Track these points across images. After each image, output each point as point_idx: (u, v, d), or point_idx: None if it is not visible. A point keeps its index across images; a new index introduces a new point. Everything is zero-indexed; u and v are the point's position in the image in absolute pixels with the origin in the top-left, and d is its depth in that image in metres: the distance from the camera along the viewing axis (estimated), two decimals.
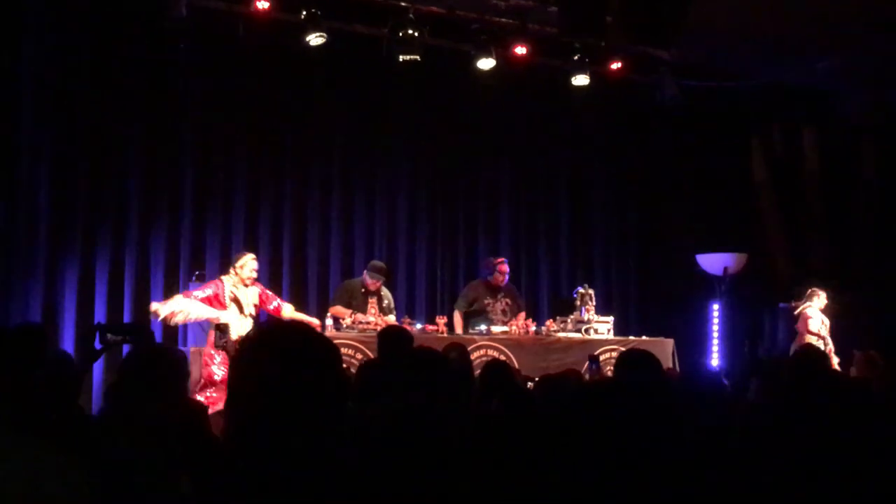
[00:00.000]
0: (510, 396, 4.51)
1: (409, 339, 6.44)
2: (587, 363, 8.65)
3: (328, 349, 2.03)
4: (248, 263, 9.22)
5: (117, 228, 10.28)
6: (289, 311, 9.46)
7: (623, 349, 10.34)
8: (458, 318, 10.76)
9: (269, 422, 1.91)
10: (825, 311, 11.43)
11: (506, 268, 10.86)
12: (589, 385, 4.73)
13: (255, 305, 9.24)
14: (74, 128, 10.12)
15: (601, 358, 10.13)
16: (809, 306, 11.35)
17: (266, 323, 2.24)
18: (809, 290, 11.53)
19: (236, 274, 9.17)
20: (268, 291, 9.54)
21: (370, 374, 4.82)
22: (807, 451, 3.60)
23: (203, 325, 9.30)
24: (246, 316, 9.09)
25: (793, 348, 10.76)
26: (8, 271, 9.77)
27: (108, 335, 4.04)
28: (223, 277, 9.25)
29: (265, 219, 11.13)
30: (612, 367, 9.05)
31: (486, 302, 10.81)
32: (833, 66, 11.50)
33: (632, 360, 4.31)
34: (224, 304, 9.01)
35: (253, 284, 9.26)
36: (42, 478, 2.56)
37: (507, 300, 10.91)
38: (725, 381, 5.02)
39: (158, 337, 9.88)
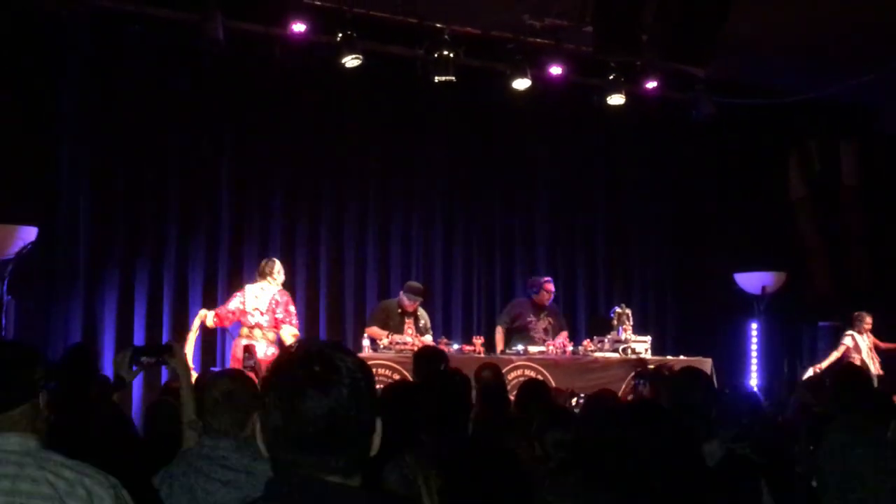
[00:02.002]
0: (549, 414, 4.49)
1: (444, 358, 6.45)
2: (635, 381, 8.62)
3: (364, 369, 2.03)
4: (282, 269, 9.61)
5: (156, 250, 10.39)
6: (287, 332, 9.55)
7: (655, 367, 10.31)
8: (499, 333, 10.77)
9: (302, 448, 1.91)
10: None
11: (552, 287, 10.89)
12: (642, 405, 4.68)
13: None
14: (113, 149, 10.26)
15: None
16: (850, 334, 11.38)
17: (297, 343, 2.26)
18: (855, 314, 11.50)
19: (273, 279, 9.48)
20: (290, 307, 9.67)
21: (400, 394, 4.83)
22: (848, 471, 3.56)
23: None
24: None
25: (825, 364, 10.81)
26: (48, 293, 9.89)
27: (143, 358, 4.08)
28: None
29: (302, 239, 11.19)
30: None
31: (528, 320, 10.80)
32: (871, 80, 11.38)
33: (688, 380, 4.26)
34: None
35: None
36: (92, 495, 2.60)
37: (550, 319, 10.91)
38: (763, 400, 4.98)
39: (198, 356, 9.99)
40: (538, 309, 10.89)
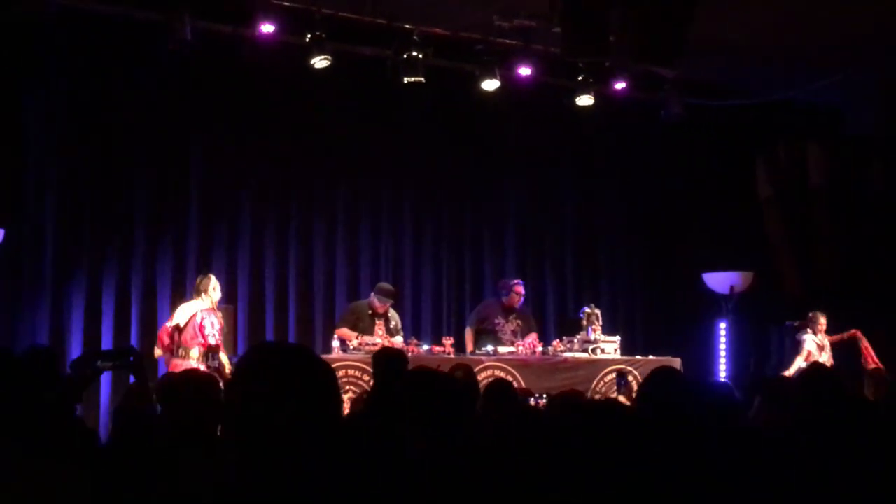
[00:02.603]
0: (513, 415, 4.49)
1: (405, 360, 6.44)
2: (616, 380, 8.73)
3: (324, 369, 2.03)
4: (217, 285, 9.24)
5: (123, 250, 10.33)
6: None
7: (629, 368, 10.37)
8: (468, 335, 10.79)
9: (265, 444, 1.91)
10: (826, 331, 11.56)
11: (522, 289, 10.95)
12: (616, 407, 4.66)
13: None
14: (81, 151, 10.17)
15: (606, 378, 10.17)
16: (807, 333, 11.49)
17: (262, 344, 2.25)
18: (810, 315, 11.62)
19: (207, 296, 9.15)
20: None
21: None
22: (814, 472, 3.58)
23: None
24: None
25: (792, 371, 10.90)
26: (15, 294, 9.81)
27: (100, 362, 4.04)
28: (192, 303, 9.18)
29: (271, 241, 11.16)
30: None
31: (497, 321, 10.83)
32: (836, 82, 11.49)
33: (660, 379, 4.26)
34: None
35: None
36: (50, 497, 2.57)
37: (519, 322, 10.93)
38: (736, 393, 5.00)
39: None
40: (507, 311, 10.92)
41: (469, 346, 10.61)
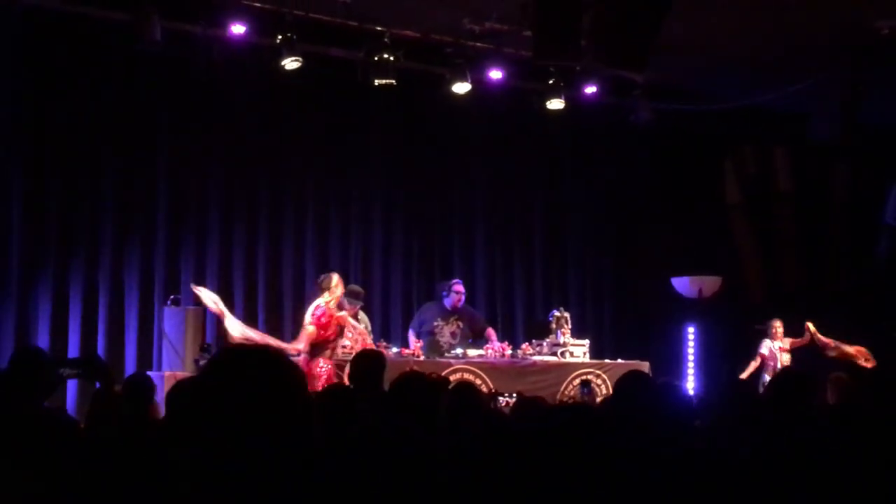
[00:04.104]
0: (480, 418, 4.49)
1: (383, 363, 6.44)
2: (580, 388, 8.71)
3: (292, 373, 2.02)
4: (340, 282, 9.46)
5: (91, 252, 10.24)
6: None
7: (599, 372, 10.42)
8: (411, 337, 10.66)
9: (232, 444, 1.90)
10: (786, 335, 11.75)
11: (461, 288, 10.89)
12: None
13: None
14: (46, 151, 10.09)
15: (575, 382, 10.17)
16: (764, 343, 11.70)
17: (230, 346, 2.25)
18: (766, 323, 11.81)
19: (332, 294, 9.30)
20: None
21: (339, 398, 4.82)
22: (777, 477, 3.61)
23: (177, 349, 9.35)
24: None
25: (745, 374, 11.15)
26: None
27: (64, 370, 4.02)
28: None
29: (240, 243, 11.11)
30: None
31: (434, 324, 10.75)
32: (802, 88, 11.60)
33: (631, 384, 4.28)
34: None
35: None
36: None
37: (460, 323, 10.84)
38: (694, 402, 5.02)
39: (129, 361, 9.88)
40: (448, 313, 10.86)
41: (414, 349, 10.37)
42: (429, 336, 10.69)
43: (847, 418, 4.28)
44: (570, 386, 10.34)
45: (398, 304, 12.09)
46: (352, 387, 6.05)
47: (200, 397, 1.97)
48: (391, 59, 10.52)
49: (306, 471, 1.99)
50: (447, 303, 10.89)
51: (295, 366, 2.13)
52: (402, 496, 2.35)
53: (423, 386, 4.57)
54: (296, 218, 11.48)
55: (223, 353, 2.05)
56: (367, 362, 6.37)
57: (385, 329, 11.67)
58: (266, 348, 2.05)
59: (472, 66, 11.08)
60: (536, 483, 2.80)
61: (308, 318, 9.16)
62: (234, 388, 1.93)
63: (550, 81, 11.57)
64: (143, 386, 5.65)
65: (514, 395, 8.07)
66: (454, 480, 2.90)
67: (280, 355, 2.05)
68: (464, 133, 12.25)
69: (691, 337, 12.89)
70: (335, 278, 9.38)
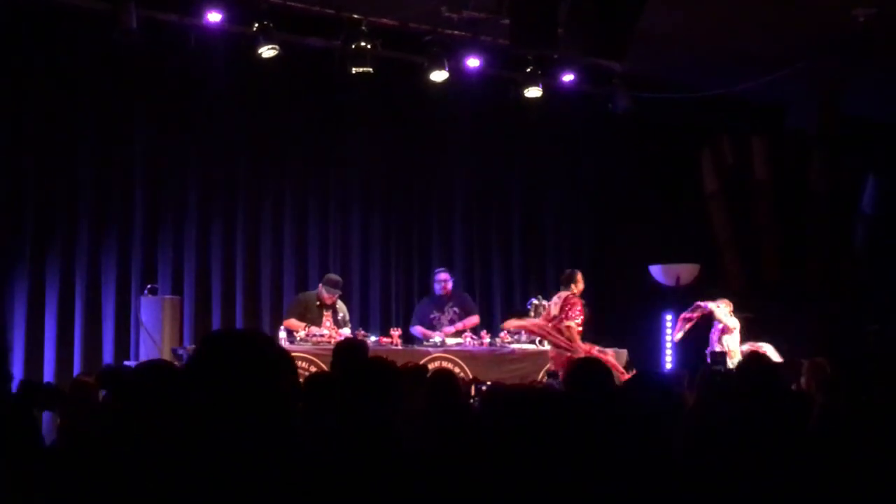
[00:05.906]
0: (454, 408, 4.51)
1: (365, 351, 6.45)
2: (547, 378, 8.72)
3: (282, 358, 2.02)
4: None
5: (67, 242, 10.17)
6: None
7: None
8: (418, 332, 10.92)
9: (218, 428, 1.90)
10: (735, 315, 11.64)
11: (443, 276, 11.16)
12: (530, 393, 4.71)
13: None
14: (21, 142, 10.00)
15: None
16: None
17: (217, 331, 2.24)
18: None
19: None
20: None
21: (319, 386, 4.81)
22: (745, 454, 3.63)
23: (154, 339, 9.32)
24: None
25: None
26: None
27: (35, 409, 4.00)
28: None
29: (217, 232, 11.05)
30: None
31: (432, 317, 10.98)
32: (779, 78, 11.64)
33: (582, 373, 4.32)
34: None
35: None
36: None
37: (456, 309, 11.00)
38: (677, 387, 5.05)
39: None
40: (441, 302, 11.01)
41: (393, 338, 10.35)
42: (430, 328, 10.84)
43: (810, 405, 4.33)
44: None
45: (377, 293, 12.08)
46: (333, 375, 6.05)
47: (185, 380, 1.97)
48: (368, 47, 10.48)
49: (285, 455, 1.99)
50: (436, 291, 11.13)
51: (283, 353, 2.12)
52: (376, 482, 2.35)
53: (389, 372, 4.56)
54: (274, 206, 11.44)
55: (210, 338, 2.04)
56: (350, 351, 6.38)
57: (364, 318, 11.67)
58: (255, 333, 2.04)
59: (449, 55, 11.08)
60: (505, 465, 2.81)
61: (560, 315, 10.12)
62: (219, 372, 1.92)
63: (528, 70, 11.58)
64: (118, 377, 5.63)
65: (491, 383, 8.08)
66: (424, 469, 2.91)
67: (268, 341, 2.04)
68: (441, 121, 12.24)
69: (669, 325, 12.93)
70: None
